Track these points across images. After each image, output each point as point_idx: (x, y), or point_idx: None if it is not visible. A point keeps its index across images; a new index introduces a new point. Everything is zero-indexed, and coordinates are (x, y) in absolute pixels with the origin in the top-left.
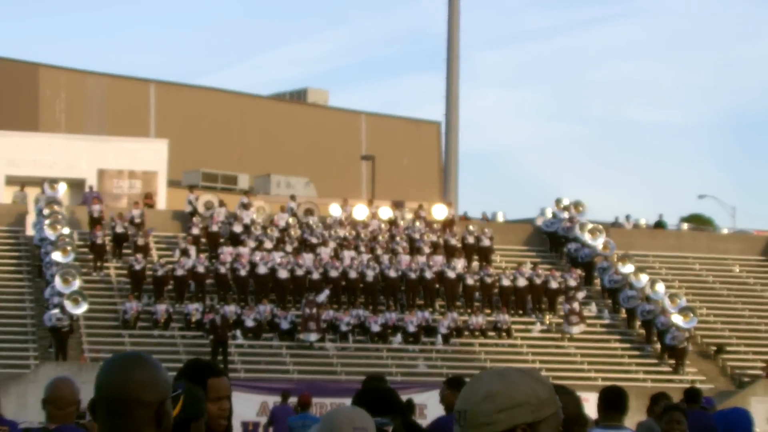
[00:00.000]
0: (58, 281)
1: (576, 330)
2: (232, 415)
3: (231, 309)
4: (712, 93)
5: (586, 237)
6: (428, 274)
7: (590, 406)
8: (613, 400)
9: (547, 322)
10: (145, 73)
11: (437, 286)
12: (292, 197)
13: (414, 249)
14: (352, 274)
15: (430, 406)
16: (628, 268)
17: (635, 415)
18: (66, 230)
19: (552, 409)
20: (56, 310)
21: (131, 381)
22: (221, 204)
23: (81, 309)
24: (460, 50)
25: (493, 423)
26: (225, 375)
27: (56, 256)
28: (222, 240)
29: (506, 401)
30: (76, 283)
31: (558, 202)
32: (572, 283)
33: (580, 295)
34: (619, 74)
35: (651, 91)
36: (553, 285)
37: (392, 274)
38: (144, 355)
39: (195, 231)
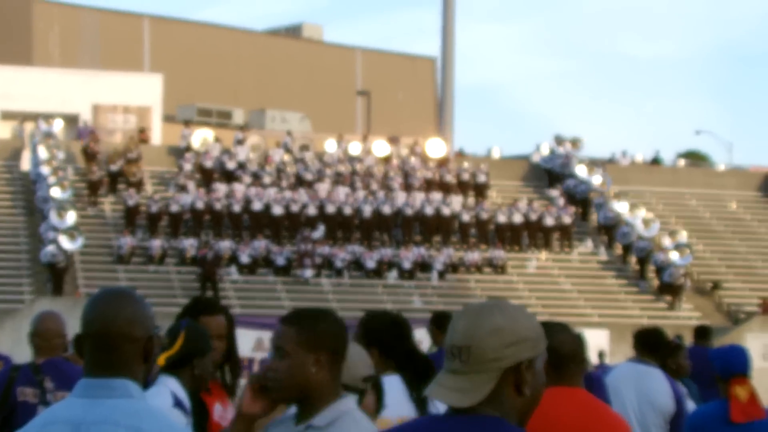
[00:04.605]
0: (53, 216)
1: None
2: (236, 351)
3: (225, 245)
4: (707, 25)
5: (583, 173)
6: (425, 210)
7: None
8: (648, 342)
9: (543, 258)
10: (139, 8)
11: (433, 222)
12: (288, 133)
13: (409, 185)
14: (348, 210)
15: (425, 342)
16: (623, 205)
17: (630, 352)
18: (62, 165)
19: (545, 344)
20: (52, 246)
21: (120, 316)
22: (216, 140)
23: (77, 244)
24: None
25: (501, 359)
26: (221, 313)
27: (54, 191)
28: (216, 176)
29: (512, 336)
30: (72, 218)
31: (557, 138)
32: (567, 220)
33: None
34: (613, 6)
35: (646, 24)
36: (549, 222)
37: (387, 210)
38: (130, 291)
39: (188, 167)
